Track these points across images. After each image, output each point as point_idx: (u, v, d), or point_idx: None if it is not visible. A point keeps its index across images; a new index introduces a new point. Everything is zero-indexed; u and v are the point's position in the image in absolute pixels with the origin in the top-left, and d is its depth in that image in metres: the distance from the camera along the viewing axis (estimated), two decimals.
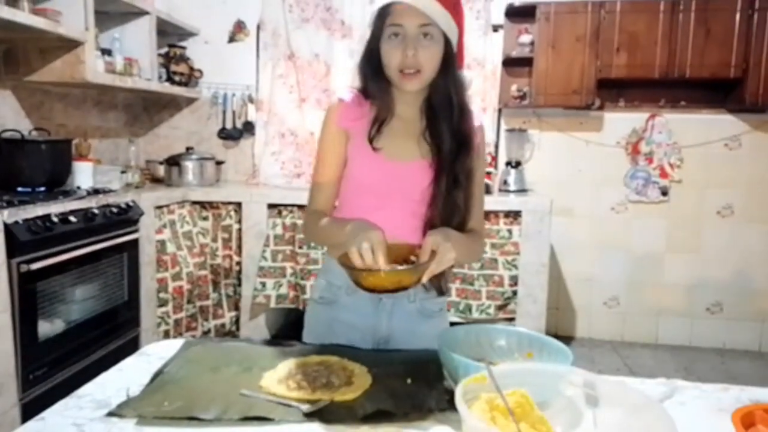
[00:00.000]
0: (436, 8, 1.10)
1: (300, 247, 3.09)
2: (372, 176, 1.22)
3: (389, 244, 1.04)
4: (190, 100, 3.76)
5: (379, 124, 1.20)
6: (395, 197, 1.21)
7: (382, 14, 1.14)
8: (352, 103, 1.22)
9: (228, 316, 3.23)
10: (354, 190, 1.25)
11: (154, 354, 1.07)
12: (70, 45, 2.57)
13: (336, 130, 1.23)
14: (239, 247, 3.19)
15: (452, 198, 1.18)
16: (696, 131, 3.50)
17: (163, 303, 2.90)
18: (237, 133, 3.74)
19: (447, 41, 1.15)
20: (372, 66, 1.19)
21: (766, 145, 3.47)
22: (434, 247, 1.03)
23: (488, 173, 3.35)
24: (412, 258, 1.09)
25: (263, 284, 3.12)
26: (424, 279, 1.04)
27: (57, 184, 2.56)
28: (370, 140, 1.19)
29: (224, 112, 3.73)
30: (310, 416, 0.83)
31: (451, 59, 1.17)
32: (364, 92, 1.23)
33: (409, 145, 1.21)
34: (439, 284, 1.23)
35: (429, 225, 1.17)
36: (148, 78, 3.17)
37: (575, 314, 3.76)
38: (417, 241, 1.11)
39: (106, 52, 2.91)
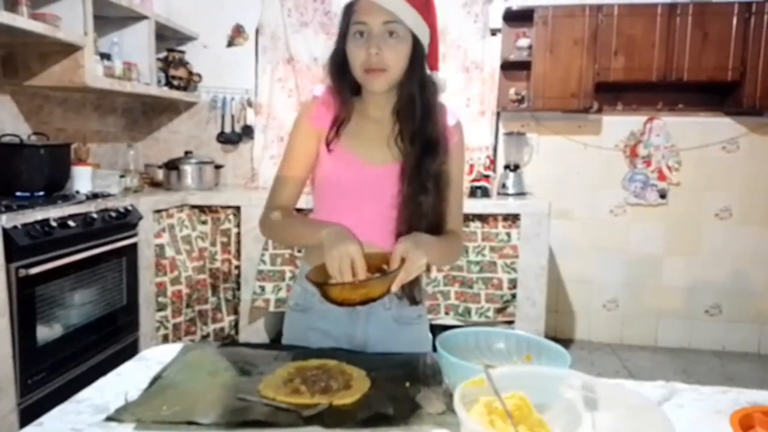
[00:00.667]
0: (401, 5, 1.07)
1: (299, 251, 3.09)
2: (344, 178, 1.19)
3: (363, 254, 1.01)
4: (189, 104, 3.76)
5: (338, 126, 1.17)
6: (368, 200, 1.18)
7: (347, 12, 1.12)
8: (326, 101, 1.19)
9: (227, 320, 3.23)
10: (327, 192, 1.23)
11: (153, 358, 1.07)
12: (69, 49, 2.58)
13: (309, 129, 1.20)
14: (238, 251, 3.18)
15: (420, 202, 1.14)
16: (694, 134, 3.51)
17: (161, 307, 2.90)
18: (236, 137, 3.74)
19: (416, 41, 1.12)
20: (338, 66, 1.16)
21: (764, 147, 3.48)
22: (404, 255, 1.00)
23: (486, 176, 3.36)
24: (384, 267, 1.05)
25: (262, 288, 3.12)
26: (394, 288, 1.00)
27: (56, 188, 2.56)
28: (327, 144, 1.17)
29: (223, 116, 3.73)
30: (308, 420, 0.83)
31: (418, 59, 1.13)
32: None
33: (381, 148, 1.18)
34: (411, 293, 1.18)
35: (401, 229, 1.14)
36: (147, 82, 3.18)
37: (574, 317, 3.75)
38: (391, 245, 1.07)
39: (105, 56, 2.92)
